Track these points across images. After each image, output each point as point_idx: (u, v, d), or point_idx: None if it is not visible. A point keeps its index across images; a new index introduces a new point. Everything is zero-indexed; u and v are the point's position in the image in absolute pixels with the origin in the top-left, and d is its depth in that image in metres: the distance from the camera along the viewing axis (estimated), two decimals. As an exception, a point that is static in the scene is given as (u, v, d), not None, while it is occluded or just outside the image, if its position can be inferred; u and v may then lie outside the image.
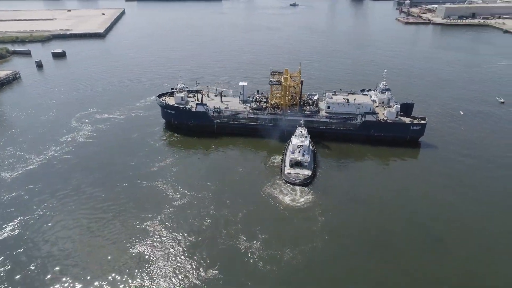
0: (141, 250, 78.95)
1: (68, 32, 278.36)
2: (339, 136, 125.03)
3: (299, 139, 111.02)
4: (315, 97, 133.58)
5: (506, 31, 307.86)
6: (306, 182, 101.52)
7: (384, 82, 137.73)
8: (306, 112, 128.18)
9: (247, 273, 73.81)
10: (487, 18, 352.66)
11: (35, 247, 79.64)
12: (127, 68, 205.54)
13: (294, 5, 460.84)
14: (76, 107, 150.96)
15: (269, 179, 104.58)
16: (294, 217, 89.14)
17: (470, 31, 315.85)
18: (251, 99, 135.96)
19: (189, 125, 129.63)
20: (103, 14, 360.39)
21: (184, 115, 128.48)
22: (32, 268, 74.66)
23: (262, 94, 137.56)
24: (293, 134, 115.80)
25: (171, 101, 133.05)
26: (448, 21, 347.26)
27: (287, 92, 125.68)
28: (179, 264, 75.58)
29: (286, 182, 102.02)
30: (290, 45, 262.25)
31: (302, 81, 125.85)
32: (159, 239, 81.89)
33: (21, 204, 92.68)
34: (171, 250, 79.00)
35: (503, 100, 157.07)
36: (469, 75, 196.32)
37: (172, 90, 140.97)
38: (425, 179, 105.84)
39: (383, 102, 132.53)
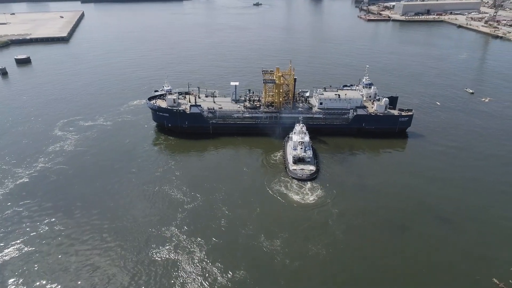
0: (162, 258, 76.82)
1: (28, 37, 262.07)
2: (333, 131, 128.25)
3: (299, 136, 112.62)
4: (307, 94, 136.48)
5: (459, 26, 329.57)
6: (312, 177, 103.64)
7: (367, 77, 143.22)
8: (300, 109, 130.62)
9: (277, 272, 74.15)
10: (441, 14, 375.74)
11: (51, 264, 75.25)
12: (100, 73, 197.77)
13: (257, 4, 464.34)
14: (56, 115, 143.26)
15: (275, 176, 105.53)
16: (309, 212, 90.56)
17: (428, 27, 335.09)
18: (242, 98, 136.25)
19: (183, 127, 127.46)
20: (62, 17, 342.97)
21: (178, 117, 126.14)
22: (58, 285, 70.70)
23: (253, 93, 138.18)
24: (292, 131, 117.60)
25: (162, 103, 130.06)
26: (406, 17, 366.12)
27: (281, 90, 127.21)
28: (205, 269, 74.37)
29: (293, 178, 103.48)
30: (265, 43, 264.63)
31: (295, 79, 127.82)
32: (178, 245, 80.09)
33: (21, 221, 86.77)
34: (194, 255, 77.55)
35: (472, 91, 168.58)
36: (437, 68, 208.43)
37: (156, 93, 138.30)
38: (419, 166, 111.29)
39: (370, 96, 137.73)
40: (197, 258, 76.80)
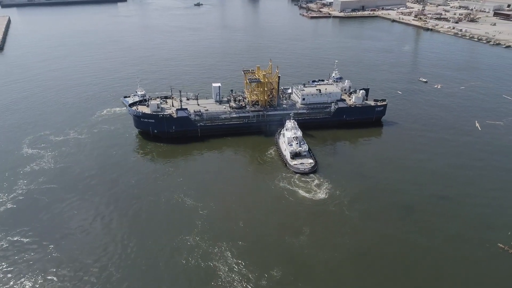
0: (195, 267, 74.68)
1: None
2: (317, 124, 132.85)
3: (292, 131, 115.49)
4: (289, 91, 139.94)
5: (393, 21, 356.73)
6: (313, 170, 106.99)
7: (337, 71, 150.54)
8: (284, 105, 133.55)
9: (311, 264, 75.78)
10: (374, 10, 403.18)
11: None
12: (53, 81, 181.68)
13: (198, 4, 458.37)
14: (19, 132, 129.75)
15: (276, 173, 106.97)
16: (323, 205, 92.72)
17: (365, 22, 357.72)
18: (225, 99, 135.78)
19: (170, 133, 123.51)
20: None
21: (165, 122, 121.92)
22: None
23: (236, 92, 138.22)
24: (282, 128, 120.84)
25: (145, 109, 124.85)
26: (345, 14, 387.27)
27: (266, 89, 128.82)
28: (241, 273, 73.29)
29: (296, 173, 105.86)
30: (225, 43, 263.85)
31: (279, 77, 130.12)
32: (208, 252, 78.19)
33: (23, 252, 78.35)
34: (226, 260, 76.03)
35: (425, 80, 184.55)
36: (388, 60, 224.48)
37: (127, 99, 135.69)
38: (402, 151, 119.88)
39: (344, 90, 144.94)
40: (230, 262, 75.64)
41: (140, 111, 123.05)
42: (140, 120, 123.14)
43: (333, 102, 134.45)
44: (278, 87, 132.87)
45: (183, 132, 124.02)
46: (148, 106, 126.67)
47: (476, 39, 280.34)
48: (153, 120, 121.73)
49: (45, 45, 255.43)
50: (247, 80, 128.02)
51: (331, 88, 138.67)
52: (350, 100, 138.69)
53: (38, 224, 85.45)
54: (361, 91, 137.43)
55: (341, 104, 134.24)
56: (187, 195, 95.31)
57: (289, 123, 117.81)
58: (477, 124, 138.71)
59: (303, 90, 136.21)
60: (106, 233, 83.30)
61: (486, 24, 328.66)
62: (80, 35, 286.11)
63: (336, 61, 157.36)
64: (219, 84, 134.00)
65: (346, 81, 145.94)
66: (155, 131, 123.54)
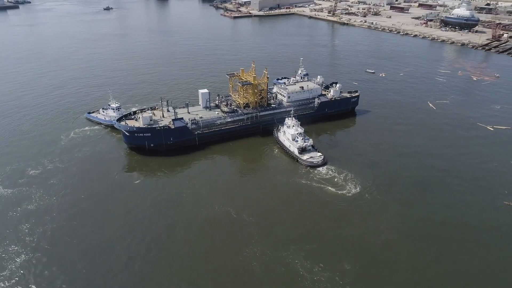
0: (275, 273, 73.60)
1: None
2: (303, 120, 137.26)
3: (293, 128, 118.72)
4: (274, 90, 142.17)
5: (310, 17, 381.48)
6: (325, 162, 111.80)
7: (303, 68, 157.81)
8: (273, 105, 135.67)
9: (382, 256, 78.96)
10: (289, 8, 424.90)
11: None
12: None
13: (108, 9, 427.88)
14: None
15: (293, 170, 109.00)
16: (357, 196, 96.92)
17: (285, 19, 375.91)
18: (213, 104, 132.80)
19: (168, 145, 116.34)
20: None
21: (163, 134, 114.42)
22: None
23: (222, 97, 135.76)
24: (280, 126, 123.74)
25: (134, 123, 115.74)
26: (264, 12, 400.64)
27: (256, 90, 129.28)
28: (317, 273, 73.95)
29: (311, 166, 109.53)
30: (155, 48, 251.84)
31: (267, 77, 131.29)
32: (276, 258, 77.17)
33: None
34: (303, 263, 75.92)
35: (373, 71, 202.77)
36: (326, 54, 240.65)
37: (92, 114, 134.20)
38: (385, 132, 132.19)
39: (319, 85, 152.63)
40: (306, 265, 75.45)
41: (133, 125, 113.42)
42: (133, 135, 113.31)
43: (315, 98, 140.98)
44: (267, 88, 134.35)
45: (181, 143, 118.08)
46: (137, 119, 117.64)
47: (387, 31, 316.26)
48: (149, 134, 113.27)
49: None
50: (238, 83, 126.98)
51: (311, 85, 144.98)
52: (328, 94, 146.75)
53: (69, 275, 74.39)
54: (338, 84, 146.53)
55: (323, 99, 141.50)
56: (223, 206, 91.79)
57: (289, 121, 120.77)
58: (430, 105, 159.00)
59: (287, 88, 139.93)
60: (174, 261, 76.51)
61: (385, 17, 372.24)
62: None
63: (302, 58, 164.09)
64: (206, 90, 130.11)
65: (319, 76, 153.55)
66: (152, 144, 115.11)
